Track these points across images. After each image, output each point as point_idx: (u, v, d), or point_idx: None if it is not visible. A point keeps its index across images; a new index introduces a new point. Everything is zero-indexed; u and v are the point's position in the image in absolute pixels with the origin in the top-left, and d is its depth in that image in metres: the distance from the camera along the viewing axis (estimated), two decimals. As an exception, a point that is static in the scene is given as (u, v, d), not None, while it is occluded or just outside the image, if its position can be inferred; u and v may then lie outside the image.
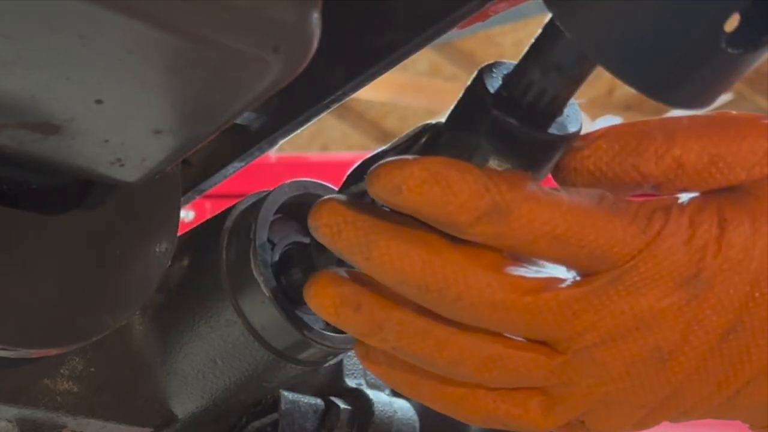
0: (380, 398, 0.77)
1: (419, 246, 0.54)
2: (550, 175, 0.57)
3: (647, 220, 0.54)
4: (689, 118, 0.56)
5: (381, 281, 0.55)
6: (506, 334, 0.56)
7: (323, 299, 0.57)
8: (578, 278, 0.55)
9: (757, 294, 0.54)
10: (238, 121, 0.67)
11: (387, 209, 0.55)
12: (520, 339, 0.56)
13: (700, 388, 0.56)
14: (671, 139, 0.55)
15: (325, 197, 0.56)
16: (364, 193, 0.61)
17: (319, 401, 0.75)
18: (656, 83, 0.49)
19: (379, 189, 0.54)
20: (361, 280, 0.56)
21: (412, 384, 0.59)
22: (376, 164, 0.54)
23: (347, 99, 0.65)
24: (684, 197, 0.56)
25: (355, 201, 0.56)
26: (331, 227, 0.55)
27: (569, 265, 0.55)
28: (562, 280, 0.55)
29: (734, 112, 0.57)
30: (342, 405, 0.75)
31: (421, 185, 0.52)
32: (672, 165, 0.55)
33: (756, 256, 0.54)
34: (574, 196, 0.54)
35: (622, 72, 0.49)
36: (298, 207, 0.72)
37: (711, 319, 0.54)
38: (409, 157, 0.54)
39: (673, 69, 0.49)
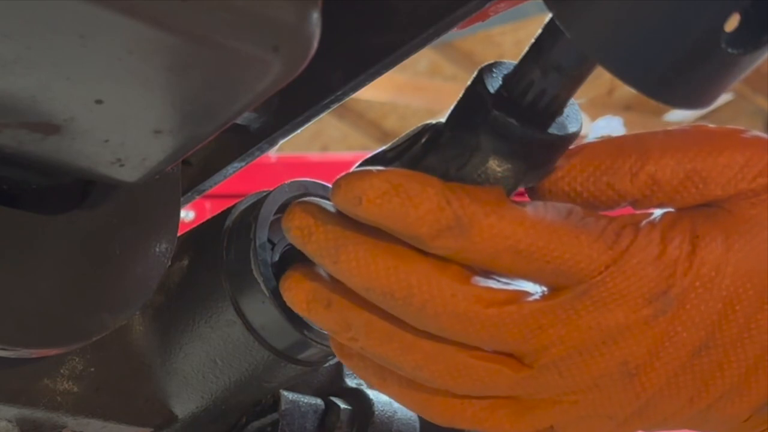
0: (380, 398, 0.77)
1: (386, 254, 0.54)
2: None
3: (616, 236, 0.53)
4: (665, 132, 0.57)
5: (349, 285, 0.55)
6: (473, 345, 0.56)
7: (296, 293, 0.58)
8: (546, 292, 0.54)
9: (729, 312, 0.54)
10: (238, 121, 0.67)
11: None
12: (486, 350, 0.56)
13: (672, 402, 0.56)
14: (645, 155, 0.55)
15: (300, 200, 0.57)
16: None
17: (319, 401, 0.75)
18: (656, 83, 0.49)
19: (340, 199, 0.54)
20: (334, 278, 0.57)
21: (381, 381, 0.59)
22: (341, 174, 0.54)
23: (347, 99, 0.65)
24: (657, 213, 0.55)
25: (328, 205, 0.56)
26: (302, 230, 0.56)
27: (536, 281, 0.55)
28: (529, 294, 0.54)
29: (711, 126, 0.57)
30: (342, 405, 0.75)
31: (381, 196, 0.53)
32: (647, 182, 0.55)
33: (728, 274, 0.54)
34: (540, 211, 0.54)
35: (622, 72, 0.49)
36: (298, 207, 0.71)
37: (681, 336, 0.54)
38: (373, 168, 0.54)
39: (673, 69, 0.49)
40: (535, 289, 0.55)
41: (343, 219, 0.55)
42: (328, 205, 0.56)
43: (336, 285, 0.57)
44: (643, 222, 0.55)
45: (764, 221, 0.55)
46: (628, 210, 0.56)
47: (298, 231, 0.56)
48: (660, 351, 0.54)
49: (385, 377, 0.59)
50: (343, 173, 0.54)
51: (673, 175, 0.55)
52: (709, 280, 0.54)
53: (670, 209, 0.56)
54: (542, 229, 0.53)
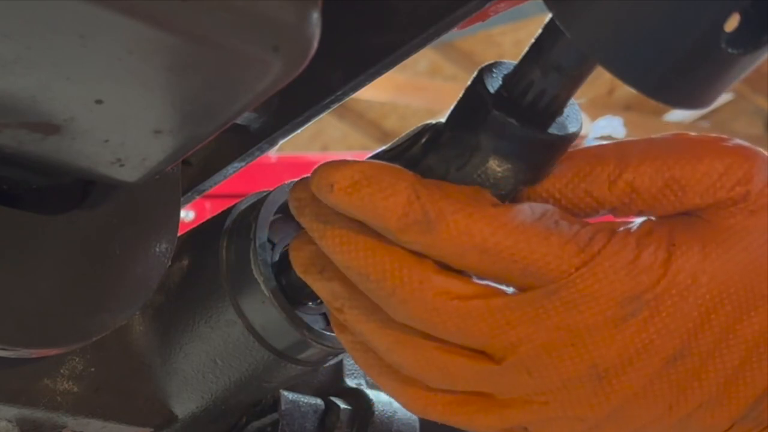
0: (380, 398, 0.77)
1: (368, 236, 0.55)
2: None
3: (589, 239, 0.53)
4: (646, 140, 0.56)
5: (333, 261, 0.56)
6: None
7: (297, 254, 0.59)
8: (516, 292, 0.55)
9: (705, 321, 0.54)
10: (238, 121, 0.67)
11: None
12: (454, 343, 0.56)
13: (649, 409, 0.56)
14: (624, 163, 0.55)
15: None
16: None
17: (319, 401, 0.75)
18: (656, 83, 0.49)
19: (314, 185, 0.55)
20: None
21: (365, 360, 0.59)
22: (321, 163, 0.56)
23: (347, 99, 0.65)
24: (636, 221, 0.55)
25: None
26: (299, 201, 0.58)
27: (505, 282, 0.55)
28: (500, 292, 0.55)
29: (693, 134, 0.57)
30: (342, 405, 0.75)
31: (351, 186, 0.54)
32: (626, 189, 0.55)
33: (704, 283, 0.54)
34: (513, 212, 0.54)
35: (621, 72, 0.49)
36: (298, 207, 0.71)
37: (655, 342, 0.54)
38: (351, 159, 0.55)
39: (673, 69, 0.49)
40: (506, 289, 0.55)
41: None
42: None
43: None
44: (620, 228, 0.54)
45: (742, 231, 0.54)
46: (608, 218, 0.56)
47: (295, 202, 0.58)
48: (633, 356, 0.54)
49: (368, 358, 0.59)
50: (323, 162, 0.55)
51: (651, 182, 0.55)
52: (684, 288, 0.53)
53: (649, 217, 0.56)
54: (511, 229, 0.53)
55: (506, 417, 0.57)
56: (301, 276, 0.59)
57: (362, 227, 0.55)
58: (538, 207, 0.54)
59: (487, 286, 0.55)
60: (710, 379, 0.55)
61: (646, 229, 0.54)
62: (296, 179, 0.70)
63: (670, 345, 0.54)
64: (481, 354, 0.56)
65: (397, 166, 0.55)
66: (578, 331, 0.54)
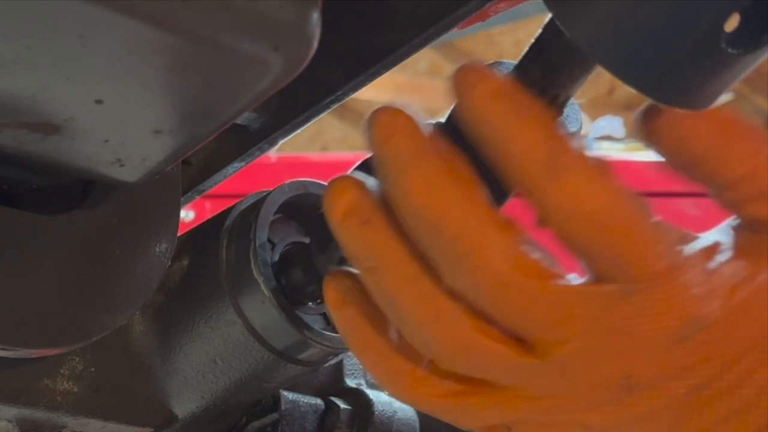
0: (380, 398, 0.77)
1: (454, 186, 0.49)
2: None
3: (676, 243, 0.50)
4: None
5: (400, 206, 0.50)
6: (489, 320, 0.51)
7: (337, 199, 0.52)
8: (588, 282, 0.51)
9: (740, 356, 0.51)
10: (238, 121, 0.67)
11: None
12: (500, 328, 0.52)
13: (651, 428, 0.53)
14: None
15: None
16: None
17: (319, 401, 0.75)
18: (656, 83, 0.49)
19: (460, 76, 0.49)
20: (384, 200, 0.51)
21: (363, 345, 0.55)
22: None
23: (347, 99, 0.65)
24: (726, 237, 0.52)
25: (420, 119, 0.51)
26: (388, 127, 0.50)
27: (587, 262, 0.50)
28: (572, 281, 0.51)
29: None
30: (342, 405, 0.75)
31: (493, 95, 0.49)
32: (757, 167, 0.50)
33: (755, 317, 0.50)
34: (628, 190, 0.49)
35: (621, 72, 0.49)
36: (298, 207, 0.72)
37: (695, 368, 0.51)
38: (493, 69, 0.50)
39: (673, 69, 0.49)
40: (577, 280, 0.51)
41: (428, 134, 0.50)
42: (415, 115, 0.51)
43: (382, 207, 0.51)
44: (704, 236, 0.51)
45: None
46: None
47: (383, 127, 0.50)
48: (669, 376, 0.51)
49: (368, 338, 0.55)
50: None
51: None
52: (740, 318, 0.50)
53: (747, 231, 0.51)
54: (626, 208, 0.49)
55: (505, 412, 0.53)
56: (334, 224, 0.52)
57: (450, 172, 0.50)
58: (643, 198, 0.50)
59: (563, 271, 0.50)
60: (715, 412, 0.52)
61: (741, 243, 0.51)
62: (296, 179, 0.70)
63: (704, 373, 0.51)
64: (522, 345, 0.51)
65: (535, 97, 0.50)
66: (633, 341, 0.50)
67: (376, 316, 0.55)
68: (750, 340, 0.51)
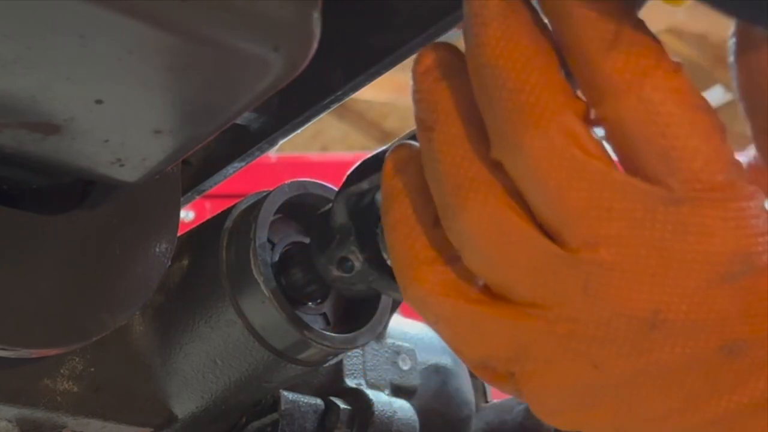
0: (380, 398, 0.77)
1: (532, 45, 0.46)
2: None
3: (741, 170, 0.45)
4: None
5: (474, 60, 0.47)
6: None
7: (425, 54, 0.50)
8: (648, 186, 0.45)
9: None
10: (238, 121, 0.67)
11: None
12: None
13: (671, 395, 0.48)
14: None
15: None
16: (365, 193, 0.61)
17: (319, 401, 0.75)
18: None
19: None
20: (465, 67, 0.49)
21: (397, 212, 0.52)
22: None
23: (347, 99, 0.65)
24: None
25: None
26: None
27: (636, 153, 0.45)
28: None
29: None
30: (342, 405, 0.75)
31: None
32: None
33: None
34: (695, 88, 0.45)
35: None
36: (298, 207, 0.72)
37: (730, 318, 0.46)
38: None
39: None
40: None
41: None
42: None
43: (463, 73, 0.49)
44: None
45: None
46: None
47: None
48: (699, 321, 0.46)
49: (402, 216, 0.52)
50: None
51: None
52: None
53: None
54: (691, 103, 0.44)
55: (517, 331, 0.49)
56: (415, 77, 0.50)
57: (533, 37, 0.46)
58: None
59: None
60: (750, 385, 0.47)
61: None
62: (296, 179, 0.70)
63: (742, 329, 0.46)
64: (553, 240, 0.47)
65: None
66: (671, 264, 0.45)
67: (422, 195, 0.51)
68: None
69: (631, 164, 0.45)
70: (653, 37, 0.45)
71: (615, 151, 0.46)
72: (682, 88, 0.44)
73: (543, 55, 0.46)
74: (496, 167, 0.48)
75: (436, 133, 0.49)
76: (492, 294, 0.50)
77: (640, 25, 0.45)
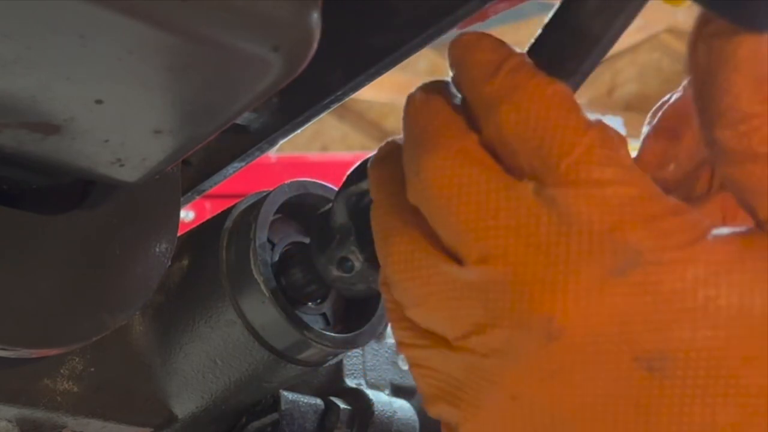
0: (380, 398, 0.77)
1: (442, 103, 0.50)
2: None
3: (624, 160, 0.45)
4: None
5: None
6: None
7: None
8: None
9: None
10: (238, 121, 0.67)
11: None
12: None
13: None
14: None
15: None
16: (365, 193, 0.61)
17: (319, 401, 0.75)
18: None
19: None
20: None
21: (379, 196, 0.52)
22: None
23: (347, 99, 0.65)
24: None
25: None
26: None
27: (515, 154, 0.46)
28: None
29: None
30: (342, 405, 0.75)
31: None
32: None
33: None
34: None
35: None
36: (298, 207, 0.72)
37: (633, 315, 0.44)
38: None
39: None
40: None
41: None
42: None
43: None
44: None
45: None
46: None
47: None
48: (598, 322, 0.43)
49: (385, 202, 0.52)
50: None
51: None
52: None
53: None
54: (560, 100, 0.47)
55: (449, 364, 0.47)
56: (456, 54, 0.51)
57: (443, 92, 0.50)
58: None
59: None
60: (666, 393, 0.43)
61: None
62: (296, 179, 0.70)
63: (650, 339, 0.42)
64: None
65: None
66: (558, 263, 0.43)
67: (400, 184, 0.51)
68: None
69: (515, 169, 0.46)
70: (530, 61, 0.48)
71: (501, 160, 0.47)
72: (553, 93, 0.46)
73: (441, 101, 0.49)
74: (416, 212, 0.49)
75: (373, 178, 0.52)
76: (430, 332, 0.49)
77: (520, 55, 0.48)
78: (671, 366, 0.42)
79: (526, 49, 0.54)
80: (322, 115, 0.67)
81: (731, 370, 0.41)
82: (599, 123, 0.46)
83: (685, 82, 0.53)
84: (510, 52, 0.48)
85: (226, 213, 0.72)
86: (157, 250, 0.63)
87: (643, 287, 0.43)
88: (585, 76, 0.52)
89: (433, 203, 0.47)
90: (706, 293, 0.42)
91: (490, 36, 0.49)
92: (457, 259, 0.47)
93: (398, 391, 0.81)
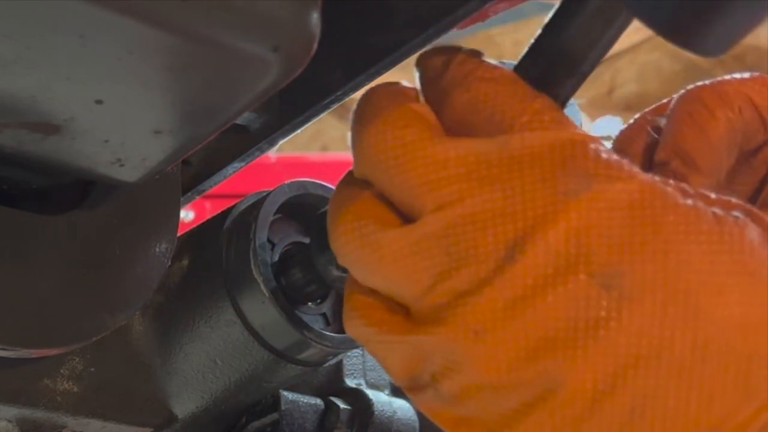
0: (380, 398, 0.77)
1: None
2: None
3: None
4: None
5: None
6: None
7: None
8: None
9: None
10: (238, 121, 0.67)
11: None
12: None
13: None
14: None
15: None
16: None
17: (319, 401, 0.75)
18: (677, 27, 0.46)
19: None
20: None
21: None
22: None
23: (347, 99, 0.65)
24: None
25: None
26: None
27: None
28: None
29: None
30: (342, 405, 0.75)
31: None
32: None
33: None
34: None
35: (642, 13, 0.46)
36: (298, 207, 0.72)
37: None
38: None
39: (695, 12, 0.45)
40: None
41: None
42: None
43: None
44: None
45: None
46: None
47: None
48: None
49: (344, 195, 0.53)
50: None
51: None
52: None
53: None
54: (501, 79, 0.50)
55: (420, 340, 0.47)
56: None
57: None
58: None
59: None
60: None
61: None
62: (296, 179, 0.70)
63: (607, 257, 0.45)
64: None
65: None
66: (515, 194, 0.46)
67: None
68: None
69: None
70: (479, 54, 0.51)
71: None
72: (501, 75, 0.48)
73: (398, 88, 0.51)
74: (363, 187, 0.50)
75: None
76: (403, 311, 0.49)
77: (468, 50, 0.50)
78: (623, 282, 0.44)
79: (525, 49, 0.54)
80: (322, 115, 0.67)
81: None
82: (546, 95, 0.48)
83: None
84: (458, 50, 0.50)
85: (226, 213, 0.72)
86: (157, 250, 0.63)
87: (596, 203, 0.44)
88: (566, 99, 0.53)
89: (380, 167, 0.48)
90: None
91: (442, 46, 0.51)
92: (410, 220, 0.48)
93: (398, 391, 0.81)
